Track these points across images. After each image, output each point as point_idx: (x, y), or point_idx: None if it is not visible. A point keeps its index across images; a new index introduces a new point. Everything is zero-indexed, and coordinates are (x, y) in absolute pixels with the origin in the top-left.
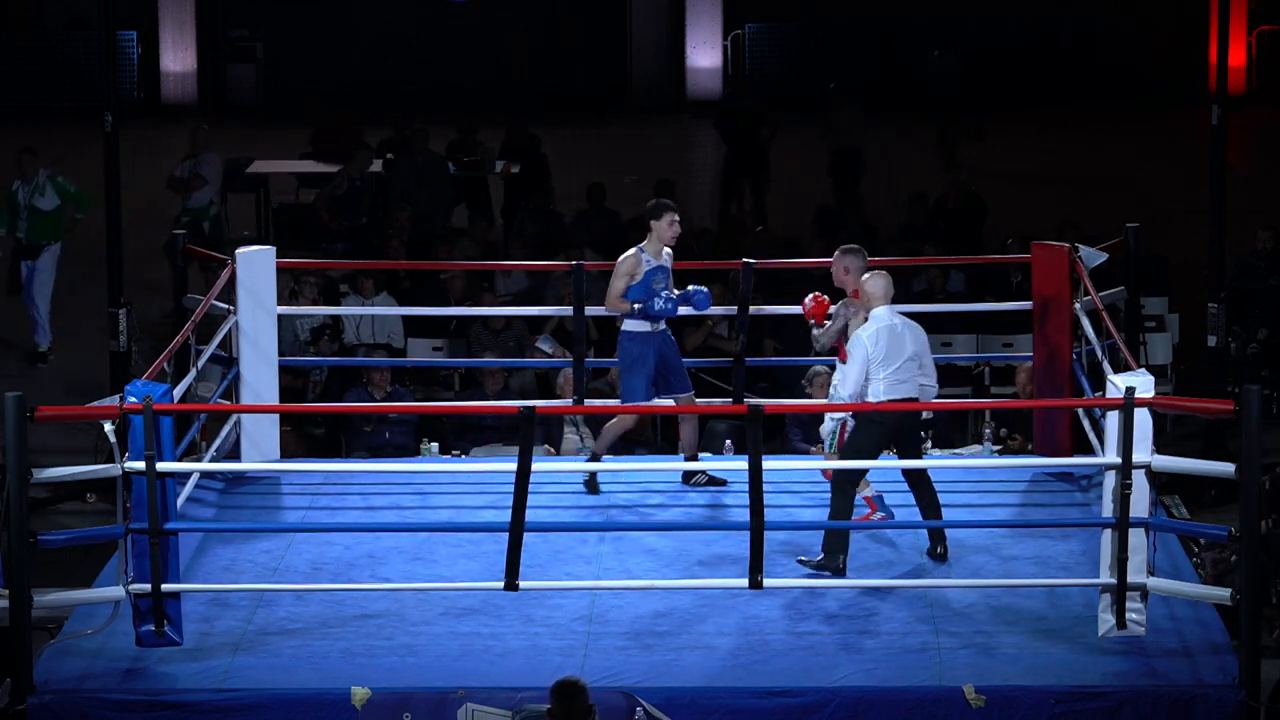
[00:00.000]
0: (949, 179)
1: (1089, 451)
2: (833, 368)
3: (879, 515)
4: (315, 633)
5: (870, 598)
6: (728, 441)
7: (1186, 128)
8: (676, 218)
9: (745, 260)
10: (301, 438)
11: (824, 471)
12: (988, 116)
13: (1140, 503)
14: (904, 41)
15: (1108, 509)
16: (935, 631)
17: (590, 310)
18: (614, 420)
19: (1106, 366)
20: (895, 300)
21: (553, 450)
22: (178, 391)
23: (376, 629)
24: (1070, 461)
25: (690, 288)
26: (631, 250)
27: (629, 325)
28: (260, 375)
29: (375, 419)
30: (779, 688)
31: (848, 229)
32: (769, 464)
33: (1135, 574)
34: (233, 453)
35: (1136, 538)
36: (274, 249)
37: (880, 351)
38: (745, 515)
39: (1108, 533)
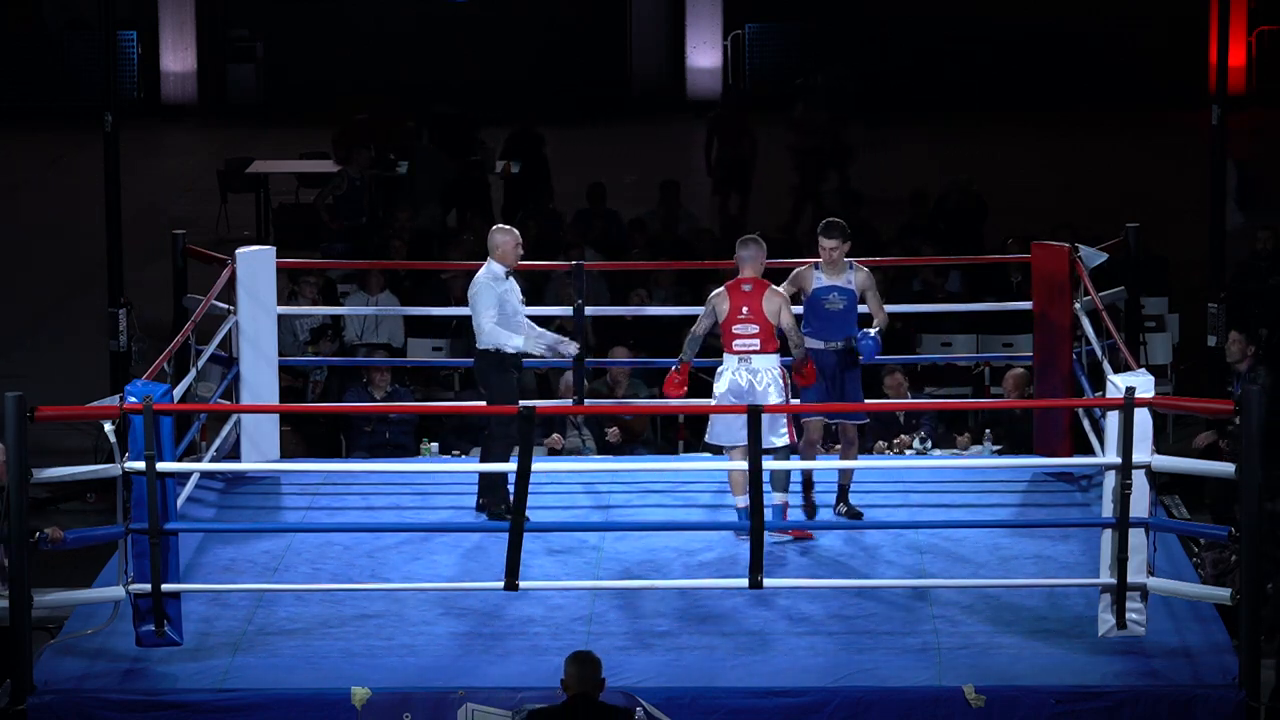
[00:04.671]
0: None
1: (1089, 451)
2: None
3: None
4: (315, 633)
5: (870, 598)
6: None
7: (1186, 128)
8: (828, 244)
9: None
10: (301, 438)
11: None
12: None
13: (1140, 503)
14: (904, 41)
15: (1108, 509)
16: (935, 631)
17: (590, 310)
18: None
19: (1106, 366)
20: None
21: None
22: (178, 391)
23: (376, 629)
24: (1070, 461)
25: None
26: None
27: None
28: (260, 375)
29: (375, 419)
30: (779, 688)
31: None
32: (768, 464)
33: (1135, 574)
34: (233, 453)
35: (1136, 538)
36: (274, 249)
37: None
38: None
39: (1108, 533)
